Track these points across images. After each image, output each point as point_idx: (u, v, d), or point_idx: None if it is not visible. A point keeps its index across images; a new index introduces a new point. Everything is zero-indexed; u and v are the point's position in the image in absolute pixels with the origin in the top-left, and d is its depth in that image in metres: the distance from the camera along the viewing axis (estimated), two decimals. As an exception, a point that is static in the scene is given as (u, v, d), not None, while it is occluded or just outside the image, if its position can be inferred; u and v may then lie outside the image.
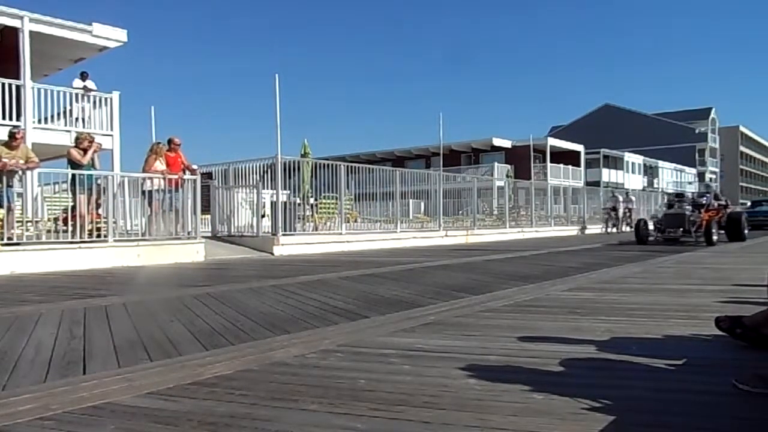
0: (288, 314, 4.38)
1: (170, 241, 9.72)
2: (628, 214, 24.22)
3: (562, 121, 67.61)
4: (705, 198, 15.07)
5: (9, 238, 8.07)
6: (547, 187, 24.04)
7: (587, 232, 22.40)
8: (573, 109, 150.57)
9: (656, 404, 2.24)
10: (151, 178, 9.83)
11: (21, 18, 13.58)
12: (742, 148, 75.41)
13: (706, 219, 13.70)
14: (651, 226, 14.63)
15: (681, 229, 13.62)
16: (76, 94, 14.40)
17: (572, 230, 22.35)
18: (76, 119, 14.38)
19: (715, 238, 12.96)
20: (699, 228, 13.36)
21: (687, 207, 14.25)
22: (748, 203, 32.00)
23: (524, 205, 22.67)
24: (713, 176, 65.49)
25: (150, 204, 9.80)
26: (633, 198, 26.11)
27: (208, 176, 13.08)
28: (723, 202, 15.51)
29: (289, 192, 13.18)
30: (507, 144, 38.41)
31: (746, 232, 14.45)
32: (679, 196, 16.10)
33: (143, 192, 9.93)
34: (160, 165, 10.01)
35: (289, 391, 2.42)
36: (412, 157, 40.17)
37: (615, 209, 23.63)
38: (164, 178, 9.85)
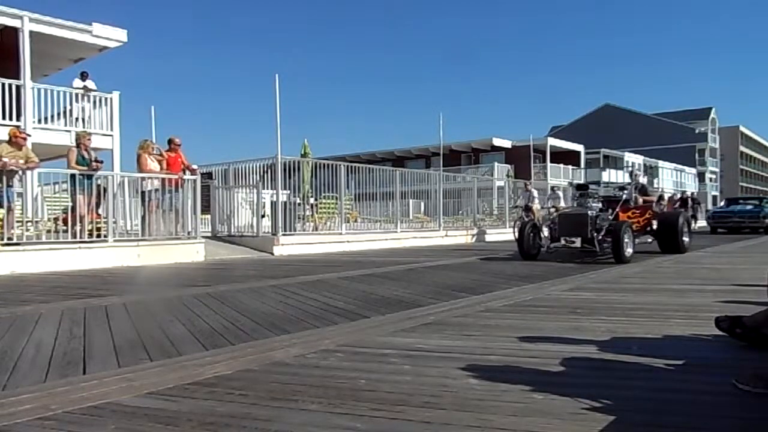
0: (288, 314, 4.38)
1: (170, 241, 9.72)
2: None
3: (562, 121, 67.63)
4: (625, 192, 10.66)
5: (9, 238, 8.07)
6: (548, 187, 24.03)
7: None
8: (573, 109, 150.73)
9: (656, 404, 2.24)
10: (145, 179, 9.82)
11: (21, 18, 13.58)
12: (742, 148, 75.38)
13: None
14: (546, 232, 9.89)
15: (581, 236, 9.36)
16: (76, 94, 14.40)
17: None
18: (76, 119, 14.37)
19: (629, 251, 8.83)
20: (610, 235, 9.12)
21: (594, 205, 9.90)
22: (722, 203, 27.21)
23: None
24: (713, 176, 65.52)
25: (144, 204, 9.78)
26: (560, 194, 20.00)
27: (208, 176, 13.08)
28: (652, 198, 11.89)
29: (289, 192, 13.17)
30: (507, 144, 38.38)
31: (687, 240, 10.61)
32: (582, 188, 10.86)
33: (141, 192, 9.93)
34: (152, 163, 9.98)
35: (289, 391, 2.42)
36: (412, 157, 40.14)
37: (529, 208, 17.47)
38: (161, 178, 9.83)
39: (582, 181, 19.57)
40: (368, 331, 3.71)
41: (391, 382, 2.53)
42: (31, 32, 13.67)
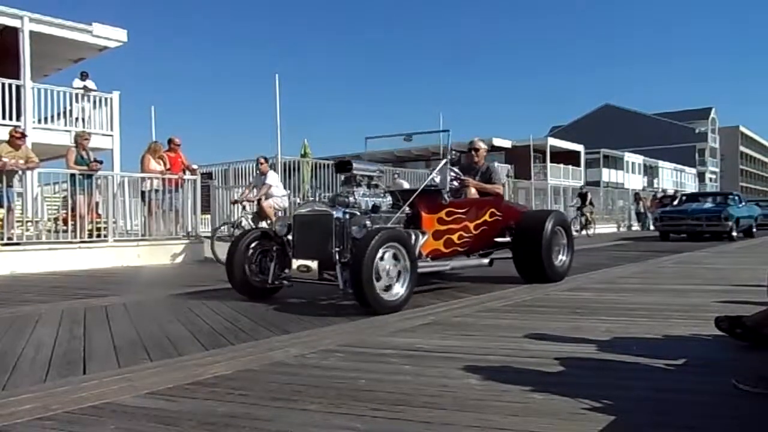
0: (288, 314, 4.38)
1: (170, 241, 9.71)
2: None
3: (562, 121, 67.63)
4: (435, 175, 5.71)
5: (9, 238, 8.07)
6: (547, 187, 24.03)
7: (584, 232, 22.22)
8: (573, 109, 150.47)
9: (656, 404, 2.24)
10: (146, 179, 9.81)
11: (21, 18, 13.58)
12: (742, 148, 75.38)
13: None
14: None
15: (318, 258, 4.63)
16: (76, 94, 14.40)
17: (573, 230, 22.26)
18: (76, 119, 14.37)
19: (401, 290, 4.46)
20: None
21: (361, 200, 5.01)
22: (676, 201, 19.36)
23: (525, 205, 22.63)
24: (713, 176, 65.53)
25: (145, 204, 9.78)
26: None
27: (208, 176, 13.08)
28: (497, 189, 6.16)
29: (289, 192, 13.17)
30: (507, 144, 38.37)
31: (565, 259, 6.31)
32: (345, 167, 5.18)
33: (141, 192, 9.92)
34: (156, 165, 9.98)
35: (289, 391, 2.42)
36: (412, 157, 40.12)
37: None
38: (161, 179, 9.83)
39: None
40: (368, 331, 3.71)
41: (391, 382, 2.53)
42: (31, 32, 13.67)
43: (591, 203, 19.89)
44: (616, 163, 47.75)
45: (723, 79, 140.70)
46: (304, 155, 15.02)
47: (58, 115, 14.40)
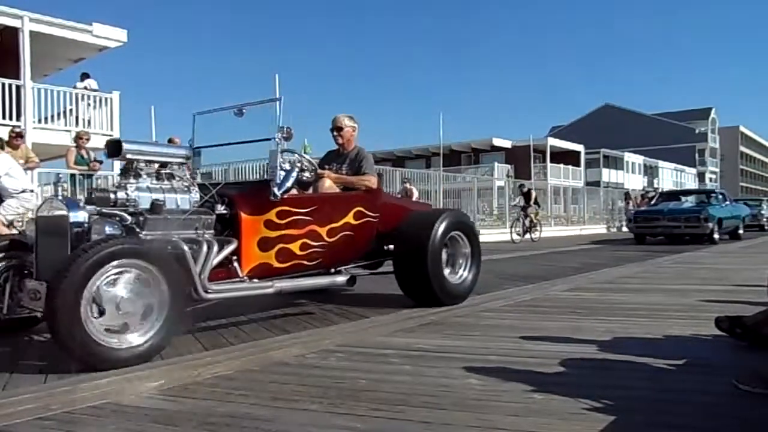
0: (288, 314, 4.38)
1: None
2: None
3: (562, 121, 67.58)
4: (270, 167, 3.87)
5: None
6: (547, 187, 24.04)
7: (584, 232, 22.28)
8: (573, 109, 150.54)
9: (656, 404, 2.24)
10: None
11: (21, 18, 13.59)
12: (742, 148, 75.36)
13: None
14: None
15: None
16: (76, 94, 14.40)
17: (573, 230, 22.32)
18: (77, 119, 14.38)
19: (143, 340, 2.95)
20: None
21: (118, 198, 3.41)
22: (653, 200, 17.34)
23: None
24: (713, 176, 65.52)
25: None
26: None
27: (208, 176, 13.07)
28: (366, 181, 4.53)
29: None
30: (507, 144, 38.39)
31: (466, 275, 4.82)
32: (114, 148, 3.52)
33: None
34: None
35: (289, 391, 2.42)
36: (412, 157, 40.13)
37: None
38: None
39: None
40: (368, 331, 3.70)
41: (391, 382, 2.53)
42: (31, 32, 13.68)
43: (536, 202, 17.28)
44: (616, 164, 47.74)
45: (723, 79, 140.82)
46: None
47: (58, 115, 14.40)
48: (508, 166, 36.11)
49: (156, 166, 3.63)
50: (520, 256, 10.44)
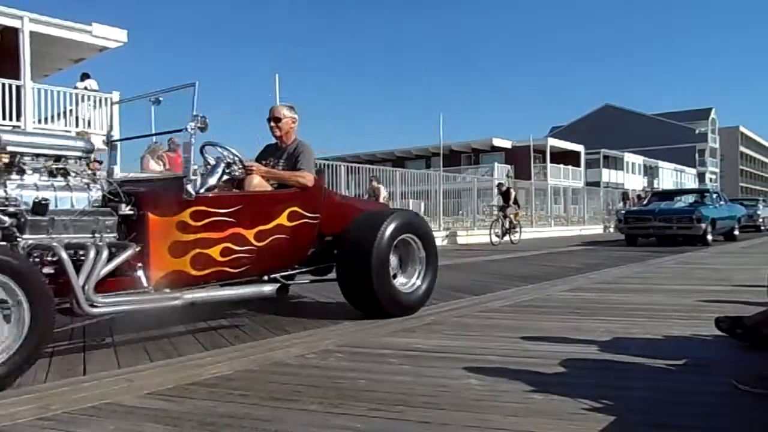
0: (288, 314, 4.38)
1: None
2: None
3: (562, 121, 67.60)
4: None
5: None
6: (547, 188, 24.05)
7: (585, 232, 22.26)
8: (573, 109, 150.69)
9: (656, 404, 2.24)
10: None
11: (21, 18, 13.59)
12: (742, 149, 75.36)
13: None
14: None
15: None
16: (76, 94, 14.40)
17: (573, 230, 22.31)
18: (76, 119, 14.38)
19: None
20: None
21: None
22: (645, 200, 16.64)
23: (524, 206, 22.66)
24: (713, 176, 65.52)
25: None
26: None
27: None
28: (299, 178, 3.98)
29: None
30: (507, 144, 38.41)
31: (420, 284, 4.34)
32: None
33: None
34: (156, 165, 9.95)
35: (289, 391, 2.42)
36: (412, 157, 40.15)
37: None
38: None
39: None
40: (368, 331, 3.70)
41: (390, 383, 2.53)
42: (31, 32, 13.68)
43: (516, 202, 16.00)
44: (616, 164, 47.75)
45: (723, 79, 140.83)
46: (304, 155, 15.01)
47: (58, 115, 14.41)
48: (508, 166, 36.12)
49: (47, 161, 3.15)
50: (520, 257, 10.43)
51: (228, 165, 3.73)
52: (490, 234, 14.85)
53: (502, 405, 2.21)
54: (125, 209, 3.29)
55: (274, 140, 4.30)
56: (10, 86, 13.15)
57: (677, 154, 58.18)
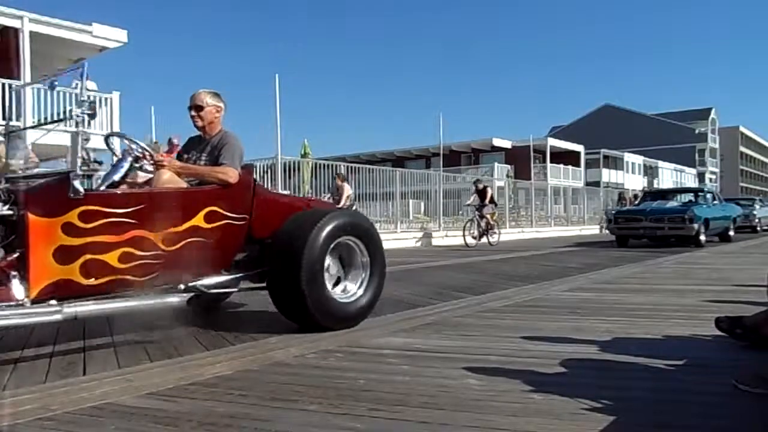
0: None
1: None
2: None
3: (562, 121, 67.63)
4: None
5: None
6: (547, 188, 24.04)
7: (584, 232, 22.23)
8: (573, 109, 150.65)
9: (656, 404, 2.24)
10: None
11: (21, 18, 13.60)
12: (742, 149, 75.36)
13: None
14: None
15: None
16: (76, 95, 14.41)
17: (573, 230, 22.30)
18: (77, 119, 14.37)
19: None
20: None
21: None
22: (638, 199, 16.73)
23: (524, 206, 22.67)
24: (713, 176, 65.51)
25: None
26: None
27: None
28: (219, 173, 3.53)
29: (289, 192, 13.19)
30: (507, 144, 38.42)
31: (358, 293, 3.84)
32: None
33: None
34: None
35: (289, 391, 2.42)
36: (412, 157, 40.16)
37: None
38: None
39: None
40: (368, 331, 3.70)
41: (390, 383, 2.53)
42: (30, 32, 13.70)
43: (492, 201, 14.96)
44: (616, 164, 47.77)
45: (723, 79, 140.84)
46: (304, 155, 15.05)
47: (58, 115, 14.40)
48: (508, 166, 36.14)
49: None
50: (520, 257, 10.43)
51: (136, 159, 3.40)
52: (464, 235, 13.89)
53: (502, 405, 2.21)
54: (2, 208, 2.84)
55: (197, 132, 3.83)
56: (10, 86, 13.15)
57: (677, 154, 58.21)
